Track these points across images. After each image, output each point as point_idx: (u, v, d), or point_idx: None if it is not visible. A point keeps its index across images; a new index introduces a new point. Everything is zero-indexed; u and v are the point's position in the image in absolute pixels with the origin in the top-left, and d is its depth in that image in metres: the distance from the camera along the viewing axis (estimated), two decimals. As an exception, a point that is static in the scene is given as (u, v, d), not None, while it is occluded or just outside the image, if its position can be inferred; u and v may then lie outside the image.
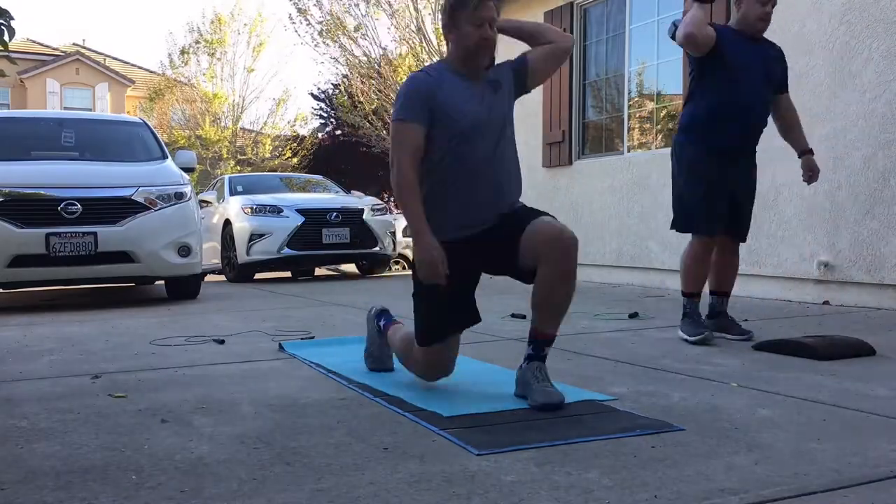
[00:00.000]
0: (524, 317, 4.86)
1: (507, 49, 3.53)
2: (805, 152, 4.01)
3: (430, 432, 2.24)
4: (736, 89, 3.72)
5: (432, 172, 2.69)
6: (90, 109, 28.83)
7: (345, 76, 20.51)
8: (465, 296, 2.74)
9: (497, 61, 2.85)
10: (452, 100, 2.67)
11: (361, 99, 18.94)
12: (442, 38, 14.20)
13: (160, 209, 6.12)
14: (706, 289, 3.99)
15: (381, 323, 3.24)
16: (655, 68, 7.18)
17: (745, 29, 3.80)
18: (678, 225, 3.94)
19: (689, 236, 3.92)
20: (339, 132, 23.88)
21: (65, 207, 5.78)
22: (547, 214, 2.75)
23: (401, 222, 16.95)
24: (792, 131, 4.03)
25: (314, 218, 8.85)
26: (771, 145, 5.86)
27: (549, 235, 2.66)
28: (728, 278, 4.01)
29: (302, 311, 5.57)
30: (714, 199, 3.79)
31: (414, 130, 2.65)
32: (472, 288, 2.79)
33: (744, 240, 3.98)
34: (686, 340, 3.81)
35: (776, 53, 3.94)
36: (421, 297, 2.74)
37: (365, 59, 15.68)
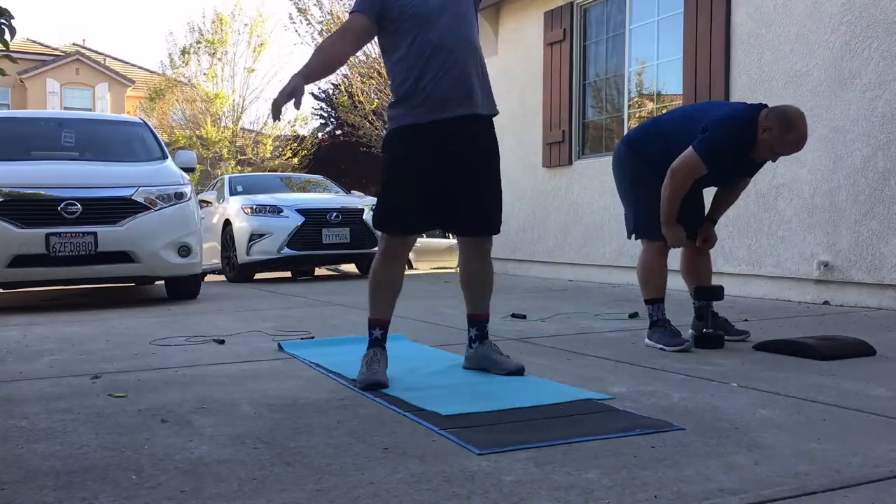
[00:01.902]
0: (524, 317, 4.87)
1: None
2: (709, 220, 3.91)
3: (430, 432, 2.24)
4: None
5: (403, 60, 2.86)
6: (90, 109, 28.84)
7: (345, 76, 20.51)
8: (422, 192, 2.91)
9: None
10: None
11: (361, 99, 18.93)
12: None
13: (160, 209, 6.12)
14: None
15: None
16: (655, 68, 7.18)
17: (756, 156, 3.61)
18: (636, 232, 3.85)
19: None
20: (339, 132, 23.87)
21: (65, 207, 5.78)
22: (489, 240, 3.12)
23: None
24: (721, 205, 3.94)
25: (314, 218, 8.85)
26: (771, 145, 5.88)
27: (472, 269, 3.16)
28: (705, 277, 3.90)
29: (302, 311, 5.57)
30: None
31: (359, 18, 2.88)
32: (432, 194, 2.93)
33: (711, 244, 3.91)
34: (663, 349, 3.59)
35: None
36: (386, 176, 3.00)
37: (365, 59, 15.67)
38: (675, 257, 3.87)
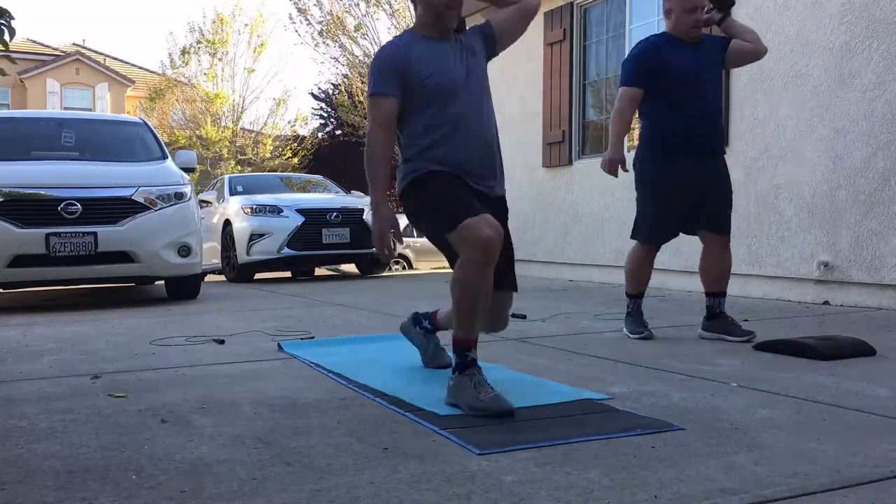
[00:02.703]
0: (524, 317, 4.87)
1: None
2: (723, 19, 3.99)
3: (430, 432, 2.24)
4: (690, 99, 3.80)
5: (428, 130, 2.71)
6: (90, 109, 28.84)
7: (345, 76, 20.49)
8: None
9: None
10: (426, 61, 2.70)
11: (361, 99, 18.91)
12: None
13: (160, 209, 6.12)
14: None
15: (426, 324, 3.27)
16: (655, 68, 7.18)
17: (681, 37, 3.86)
18: (634, 234, 4.06)
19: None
20: (339, 132, 23.87)
21: (65, 207, 5.78)
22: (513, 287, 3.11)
23: (401, 222, 16.97)
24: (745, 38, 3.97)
25: (314, 218, 8.85)
26: (771, 145, 5.88)
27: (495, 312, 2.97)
28: (719, 277, 3.96)
29: (302, 311, 5.56)
30: (665, 206, 3.90)
31: (387, 103, 2.69)
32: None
33: (726, 232, 3.93)
34: (628, 336, 4.00)
35: (712, 43, 3.93)
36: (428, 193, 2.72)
37: (365, 59, 15.66)
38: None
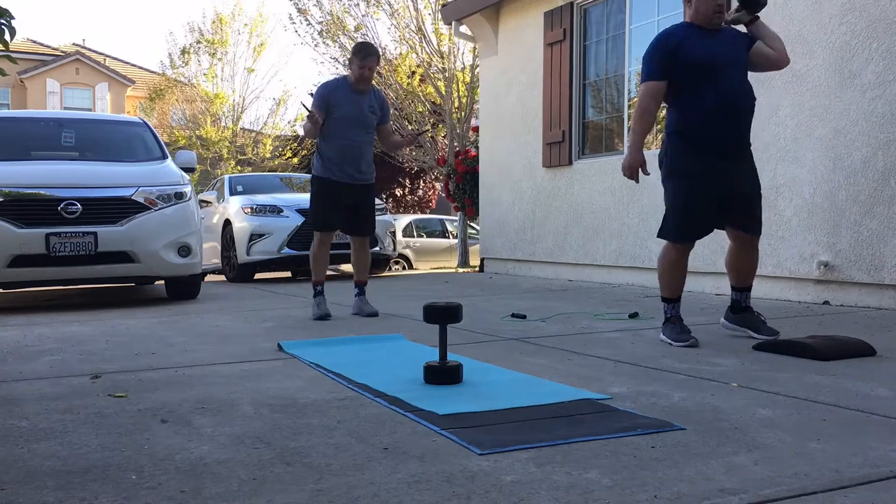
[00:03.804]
0: (524, 317, 4.87)
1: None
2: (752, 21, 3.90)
3: (430, 432, 2.24)
4: (713, 88, 3.69)
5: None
6: (90, 109, 28.85)
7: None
8: None
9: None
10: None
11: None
12: (441, 37, 14.20)
13: (160, 209, 6.12)
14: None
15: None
16: (655, 68, 7.17)
17: (702, 24, 3.75)
18: (661, 233, 3.93)
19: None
20: (339, 132, 23.80)
21: (65, 207, 5.78)
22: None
23: (401, 222, 16.96)
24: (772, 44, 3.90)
25: (314, 218, 8.84)
26: (771, 145, 5.88)
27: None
28: (745, 272, 3.93)
29: (302, 311, 5.56)
30: (694, 204, 3.77)
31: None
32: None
33: (757, 232, 3.87)
34: (670, 345, 3.76)
35: (733, 35, 3.85)
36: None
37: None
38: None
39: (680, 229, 3.81)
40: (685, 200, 3.79)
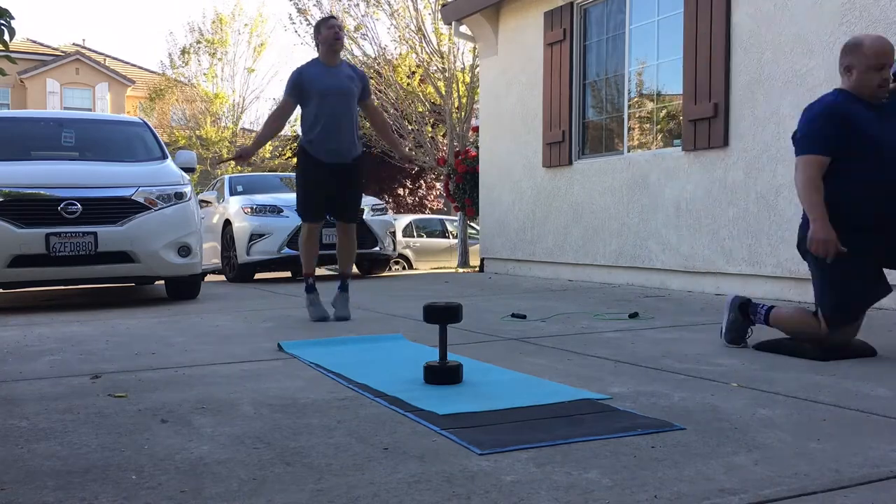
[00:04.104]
0: (524, 317, 4.87)
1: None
2: None
3: (430, 432, 2.24)
4: (880, 166, 3.31)
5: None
6: (90, 109, 28.85)
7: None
8: None
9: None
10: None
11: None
12: (441, 37, 14.21)
13: (160, 209, 6.12)
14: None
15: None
16: (655, 68, 7.18)
17: (862, 95, 3.38)
18: (821, 307, 3.45)
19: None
20: (339, 132, 23.82)
21: (65, 207, 5.78)
22: None
23: (401, 222, 16.96)
24: None
25: (314, 218, 8.84)
26: (771, 145, 5.88)
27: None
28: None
29: (302, 311, 5.56)
30: (854, 282, 3.37)
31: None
32: None
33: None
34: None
35: (890, 108, 3.45)
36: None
37: (365, 59, 15.65)
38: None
39: (841, 310, 3.41)
40: (836, 282, 3.39)
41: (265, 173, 16.75)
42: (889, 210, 3.34)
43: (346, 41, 15.67)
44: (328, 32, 4.88)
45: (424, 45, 14.50)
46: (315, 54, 5.11)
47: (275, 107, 4.54)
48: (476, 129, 11.11)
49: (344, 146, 4.90)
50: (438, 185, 24.14)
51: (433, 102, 15.59)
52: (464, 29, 9.77)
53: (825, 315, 3.39)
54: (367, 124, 5.25)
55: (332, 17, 5.18)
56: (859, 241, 3.31)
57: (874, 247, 3.37)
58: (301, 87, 4.86)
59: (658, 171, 6.86)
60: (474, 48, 13.05)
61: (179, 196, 6.29)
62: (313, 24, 18.43)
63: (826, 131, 3.31)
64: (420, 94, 15.83)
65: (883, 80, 3.31)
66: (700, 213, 6.44)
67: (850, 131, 3.29)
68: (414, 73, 15.97)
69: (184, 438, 2.22)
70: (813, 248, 3.30)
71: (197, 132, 25.31)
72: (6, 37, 3.00)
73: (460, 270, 11.05)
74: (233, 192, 9.81)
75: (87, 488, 1.81)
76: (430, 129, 16.04)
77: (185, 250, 6.24)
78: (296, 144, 22.73)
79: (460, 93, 14.14)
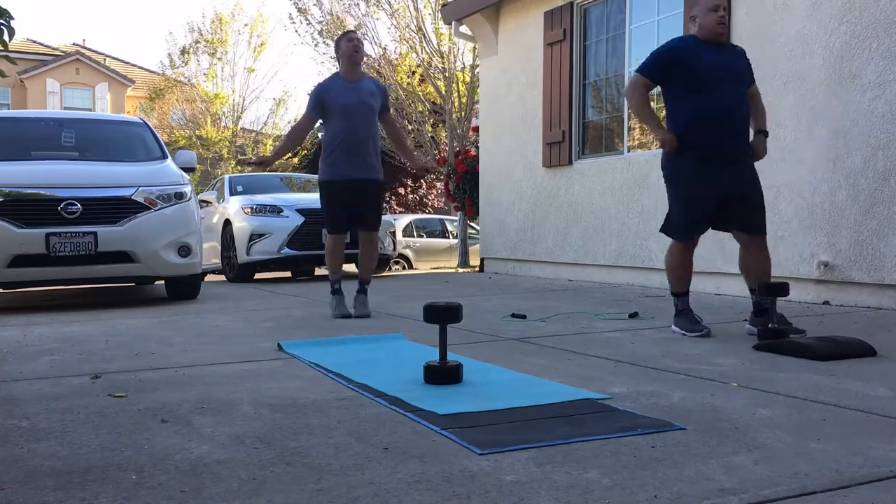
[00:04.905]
0: (524, 317, 4.87)
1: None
2: (759, 132, 4.15)
3: (430, 432, 2.24)
4: (711, 98, 3.91)
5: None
6: (90, 109, 28.85)
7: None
8: None
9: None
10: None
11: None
12: (441, 37, 14.20)
13: (160, 209, 6.12)
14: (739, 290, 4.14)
15: None
16: (655, 68, 7.17)
17: (708, 38, 3.97)
18: (663, 228, 4.19)
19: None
20: (339, 132, 23.81)
21: (65, 207, 5.78)
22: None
23: (401, 222, 16.95)
24: (755, 113, 4.15)
25: (314, 218, 8.84)
26: (771, 145, 5.87)
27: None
28: (761, 274, 4.10)
29: (302, 311, 5.56)
30: (694, 207, 4.01)
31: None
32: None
33: (759, 232, 4.06)
34: (684, 335, 4.03)
35: (739, 53, 4.10)
36: None
37: (365, 59, 15.69)
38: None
39: (683, 229, 4.09)
40: (685, 204, 4.05)
41: (265, 173, 16.74)
42: (720, 138, 3.91)
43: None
44: (348, 46, 5.05)
45: (424, 44, 14.50)
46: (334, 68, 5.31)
47: (296, 120, 4.95)
48: (476, 129, 11.11)
49: (364, 163, 5.09)
50: (439, 184, 24.14)
51: (433, 102, 15.59)
52: (464, 29, 9.76)
53: (672, 227, 4.08)
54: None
55: (351, 31, 5.32)
56: (700, 167, 3.94)
57: (713, 182, 3.94)
58: (323, 102, 5.02)
59: (658, 170, 6.81)
60: (474, 48, 13.05)
61: (179, 196, 6.29)
62: (313, 23, 17.97)
63: (657, 60, 4.02)
64: (420, 93, 15.83)
65: (720, 17, 3.92)
66: (700, 213, 6.43)
67: (683, 62, 3.93)
68: (414, 72, 15.97)
69: (184, 438, 2.22)
70: (666, 149, 3.99)
71: (197, 132, 25.29)
72: (6, 37, 3.00)
73: (460, 270, 11.05)
74: (233, 192, 9.81)
75: (87, 488, 1.81)
76: (430, 128, 16.04)
77: (185, 250, 6.24)
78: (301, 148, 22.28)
79: (460, 93, 14.14)
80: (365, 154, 5.06)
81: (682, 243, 4.10)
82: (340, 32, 15.95)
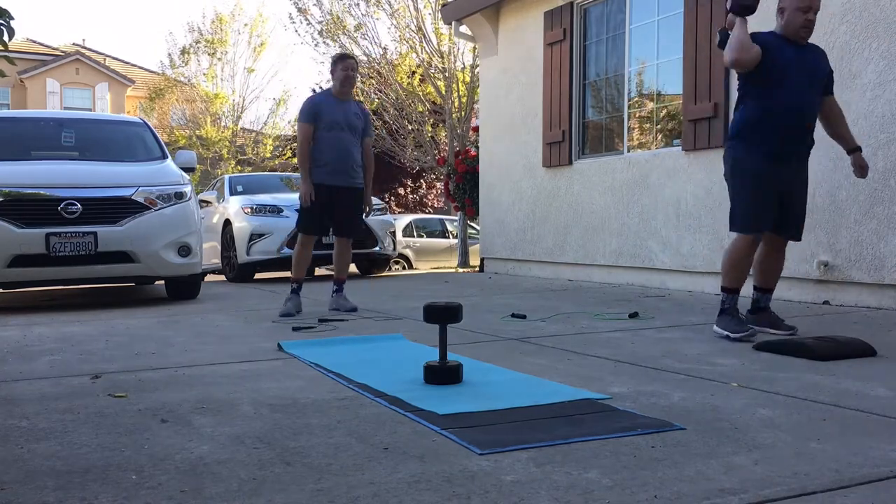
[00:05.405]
0: (524, 317, 4.87)
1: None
2: (853, 150, 4.09)
3: (430, 432, 2.24)
4: (783, 93, 3.85)
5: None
6: (90, 109, 28.85)
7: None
8: None
9: None
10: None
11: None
12: (441, 37, 14.20)
13: (160, 209, 6.12)
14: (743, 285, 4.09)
15: None
16: (655, 68, 7.18)
17: (788, 35, 3.93)
18: (730, 223, 4.06)
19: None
20: (339, 132, 23.82)
21: (65, 207, 5.78)
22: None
23: (401, 222, 16.96)
24: (839, 130, 4.11)
25: (314, 218, 8.84)
26: (771, 145, 5.87)
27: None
28: (773, 275, 4.13)
29: (302, 310, 5.56)
30: (760, 200, 3.92)
31: None
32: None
33: (795, 238, 4.07)
34: (728, 337, 3.90)
35: (820, 57, 4.04)
36: None
37: (365, 59, 15.65)
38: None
39: (750, 220, 3.96)
40: (751, 195, 3.94)
41: (265, 173, 16.77)
42: (787, 134, 3.86)
43: (347, 41, 15.69)
44: (341, 74, 5.36)
45: (424, 44, 14.50)
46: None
47: (300, 139, 5.31)
48: (476, 129, 11.11)
49: (350, 169, 5.38)
50: (439, 184, 24.15)
51: (433, 102, 15.58)
52: (464, 29, 9.76)
53: (737, 220, 3.95)
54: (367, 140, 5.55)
55: (350, 57, 5.54)
56: (763, 167, 3.89)
57: (776, 177, 3.90)
58: (315, 114, 5.34)
59: (658, 170, 6.86)
60: (474, 48, 13.05)
61: (179, 196, 6.29)
62: (313, 24, 17.96)
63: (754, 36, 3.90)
64: (420, 93, 15.83)
65: (807, 20, 3.85)
66: (700, 212, 6.43)
67: (768, 58, 3.83)
68: (414, 72, 15.96)
69: (184, 438, 2.22)
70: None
71: (197, 132, 25.29)
72: (6, 37, 3.00)
73: (460, 270, 11.05)
74: (233, 192, 9.81)
75: (87, 488, 1.81)
76: (430, 128, 16.03)
77: (185, 250, 6.24)
78: (295, 144, 22.65)
79: (460, 93, 14.13)
80: (349, 167, 5.37)
81: (747, 236, 3.96)
82: (340, 40, 16.10)
